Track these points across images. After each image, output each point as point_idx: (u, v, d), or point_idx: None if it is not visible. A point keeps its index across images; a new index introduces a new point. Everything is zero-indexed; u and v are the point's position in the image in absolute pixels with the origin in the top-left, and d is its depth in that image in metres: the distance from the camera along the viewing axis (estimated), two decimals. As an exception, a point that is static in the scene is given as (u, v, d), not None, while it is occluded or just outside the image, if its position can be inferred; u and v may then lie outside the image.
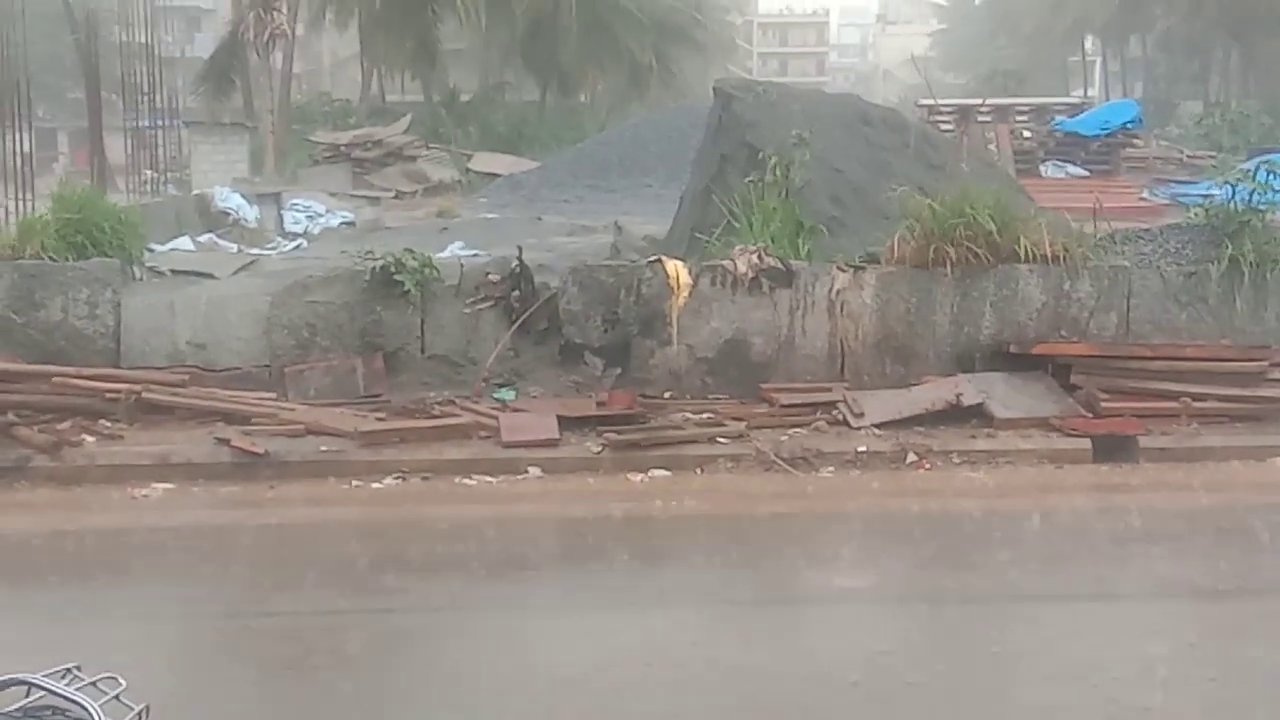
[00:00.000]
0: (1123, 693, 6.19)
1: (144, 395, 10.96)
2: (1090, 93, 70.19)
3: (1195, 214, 13.72)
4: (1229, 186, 13.01)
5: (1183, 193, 27.34)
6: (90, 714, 2.28)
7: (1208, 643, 7.16)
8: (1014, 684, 6.35)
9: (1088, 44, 79.88)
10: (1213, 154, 36.47)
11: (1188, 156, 36.13)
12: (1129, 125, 34.03)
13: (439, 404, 11.36)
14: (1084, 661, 6.58)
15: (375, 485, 9.98)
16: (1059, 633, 7.07)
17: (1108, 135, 32.98)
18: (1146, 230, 13.54)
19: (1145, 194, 28.83)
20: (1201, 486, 10.20)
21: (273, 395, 11.37)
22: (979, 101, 35.74)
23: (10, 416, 10.56)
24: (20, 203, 18.70)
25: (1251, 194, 12.59)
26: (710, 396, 11.70)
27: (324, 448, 10.39)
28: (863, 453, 10.59)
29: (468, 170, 38.67)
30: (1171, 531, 9.29)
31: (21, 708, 2.32)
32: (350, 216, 26.38)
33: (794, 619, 7.56)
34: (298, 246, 21.59)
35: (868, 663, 6.63)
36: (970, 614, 7.54)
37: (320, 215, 25.67)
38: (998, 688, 6.33)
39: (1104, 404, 11.17)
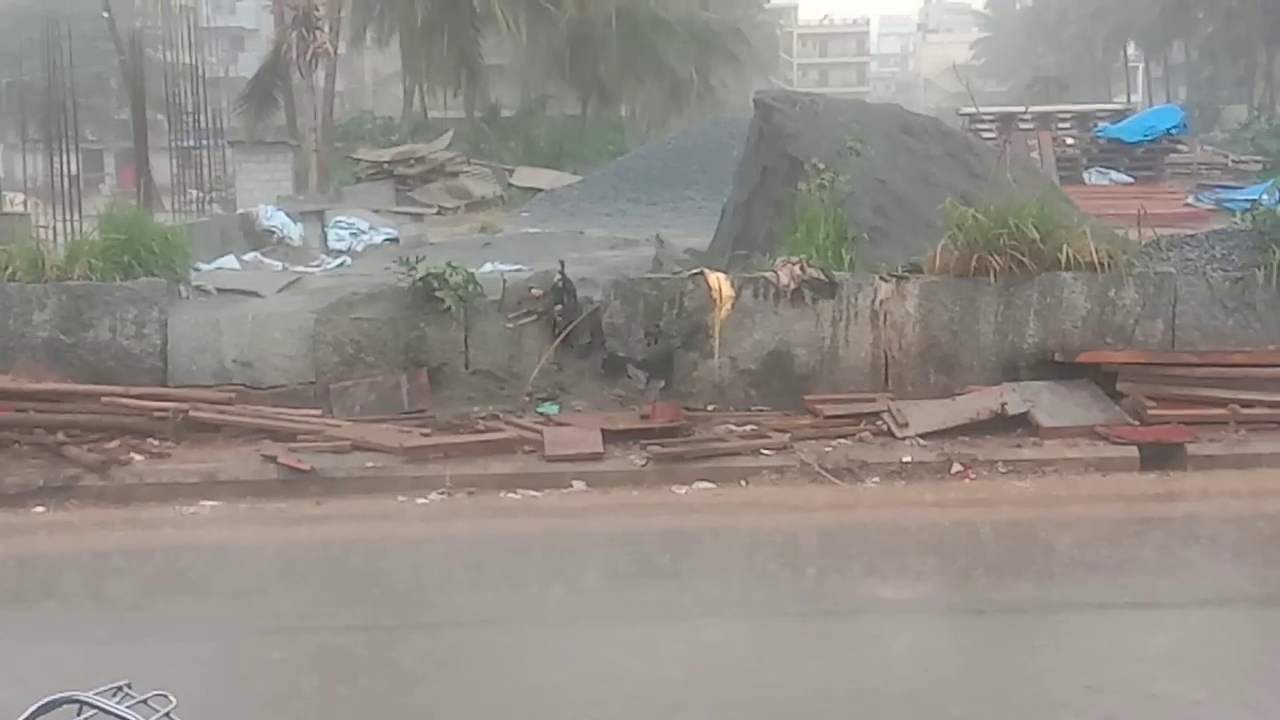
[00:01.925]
0: (1172, 701, 6.15)
1: (191, 413, 11.04)
2: (1133, 99, 69.83)
3: (1241, 219, 13.62)
4: (1276, 191, 12.90)
5: (1228, 198, 27.15)
6: (141, 731, 2.30)
7: (1259, 650, 7.09)
8: (1064, 694, 6.30)
9: (1130, 50, 79.45)
10: (1258, 159, 36.16)
11: (1233, 161, 35.83)
12: (1173, 131, 33.84)
13: (483, 419, 11.39)
14: (1135, 670, 6.54)
15: (421, 500, 10.02)
16: (1109, 642, 7.02)
17: (1151, 141, 32.82)
18: (1192, 236, 13.45)
19: (1190, 200, 28.67)
20: (1251, 494, 10.11)
21: (318, 412, 11.43)
22: (1021, 109, 35.64)
23: (60, 436, 10.67)
24: (68, 224, 18.89)
25: (1299, 198, 12.49)
26: (754, 408, 11.69)
27: (370, 464, 10.44)
28: (908, 463, 10.55)
29: (510, 185, 38.82)
30: (1221, 539, 9.22)
31: (74, 726, 2.35)
32: (394, 233, 26.50)
33: (840, 631, 7.54)
34: (342, 264, 21.70)
35: (916, 675, 6.60)
36: (1018, 624, 7.50)
37: (364, 232, 25.80)
38: (1047, 699, 6.29)
39: (1151, 412, 11.09)
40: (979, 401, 11.31)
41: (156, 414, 10.98)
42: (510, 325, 11.97)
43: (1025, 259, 11.79)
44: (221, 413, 11.20)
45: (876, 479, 10.39)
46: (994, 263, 11.76)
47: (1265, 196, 14.02)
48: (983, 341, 11.91)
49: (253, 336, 11.98)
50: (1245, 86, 69.34)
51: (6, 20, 49.37)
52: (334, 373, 11.82)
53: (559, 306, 11.97)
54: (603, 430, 10.87)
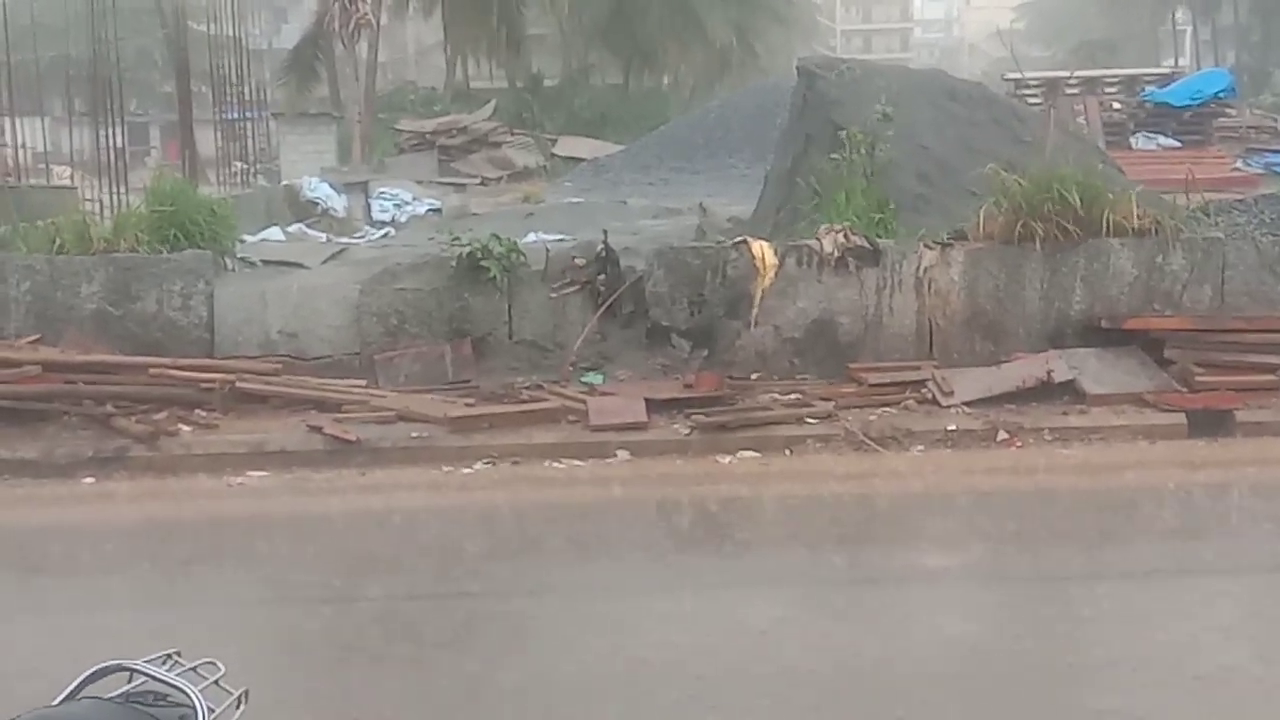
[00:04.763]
0: (1220, 668, 6.11)
1: (238, 384, 11.12)
2: (1181, 62, 68.91)
3: (1291, 183, 13.46)
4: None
5: (1277, 162, 26.85)
6: (191, 698, 2.32)
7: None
8: (1110, 662, 6.28)
9: (1178, 12, 78.49)
10: (1309, 123, 35.64)
11: (1282, 126, 35.39)
12: (1221, 95, 33.40)
13: (527, 389, 11.41)
14: (1182, 638, 6.51)
15: (465, 470, 10.06)
16: (1157, 609, 6.99)
17: (1199, 105, 32.39)
18: (1240, 201, 13.36)
19: (1239, 164, 28.34)
20: (1300, 461, 10.04)
21: (363, 382, 11.49)
22: (1067, 74, 35.30)
23: (109, 407, 10.75)
24: (114, 196, 19.00)
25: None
26: (797, 377, 11.66)
27: (415, 434, 10.49)
28: (953, 431, 10.52)
29: (552, 155, 38.73)
30: (1271, 507, 9.15)
31: (124, 693, 2.36)
32: (437, 204, 26.53)
33: (886, 599, 7.53)
34: (385, 235, 21.75)
35: (961, 644, 6.59)
36: (1065, 593, 7.47)
37: (407, 203, 25.83)
38: (1093, 667, 6.26)
39: (1199, 378, 11.01)
40: (1025, 369, 11.25)
41: (204, 385, 11.06)
42: (554, 295, 11.98)
43: (1071, 225, 11.70)
44: (268, 383, 11.27)
45: (921, 447, 10.36)
46: (1039, 229, 11.68)
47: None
48: (1028, 308, 11.84)
49: (298, 308, 12.04)
50: (1295, 49, 68.35)
51: (52, -6, 49.58)
52: (379, 343, 11.87)
53: (602, 276, 11.97)
54: (647, 399, 10.87)
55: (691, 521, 9.19)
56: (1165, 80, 36.55)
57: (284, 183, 27.07)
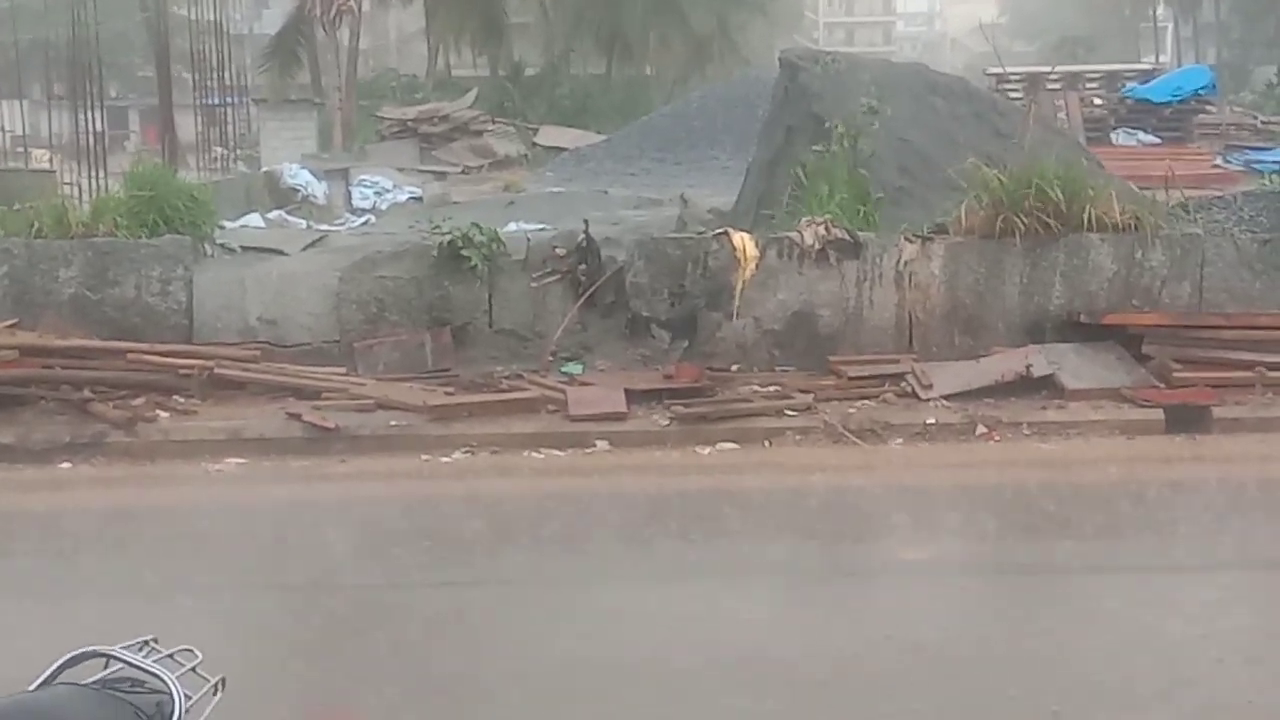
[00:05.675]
0: (1191, 665, 6.14)
1: (216, 371, 11.08)
2: (1162, 59, 69.08)
3: (1270, 180, 13.51)
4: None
5: (1257, 159, 26.93)
6: (167, 685, 2.31)
7: (1283, 615, 7.08)
8: (1083, 657, 6.30)
9: (1159, 9, 78.69)
10: (1288, 120, 35.74)
11: (1262, 123, 35.49)
12: (1201, 91, 33.52)
13: (507, 378, 11.40)
14: (1155, 634, 6.53)
15: (444, 459, 10.04)
16: (1132, 604, 7.01)
17: (1180, 102, 32.51)
18: (1220, 197, 13.38)
19: (1219, 161, 28.44)
20: (1276, 456, 10.07)
21: (343, 370, 11.47)
22: (1048, 69, 35.42)
23: (86, 392, 10.70)
24: (93, 181, 18.93)
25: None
26: (777, 369, 11.67)
27: (394, 422, 10.47)
28: (931, 424, 10.54)
29: (534, 144, 38.65)
30: (1246, 502, 9.19)
31: (100, 680, 2.35)
32: (417, 192, 26.47)
33: (863, 592, 7.55)
34: (366, 222, 21.72)
35: (937, 636, 6.60)
36: (1042, 587, 7.50)
37: (388, 191, 25.78)
38: (1070, 661, 6.28)
39: (1177, 374, 11.05)
40: (1004, 363, 11.28)
41: (182, 371, 11.03)
42: (534, 284, 11.97)
43: (1051, 220, 11.73)
44: (246, 370, 11.24)
45: (900, 440, 10.38)
46: (1019, 224, 11.71)
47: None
48: (1008, 303, 11.86)
49: (277, 294, 12.00)
50: (1275, 46, 68.56)
51: (31, -23, 49.23)
52: (358, 331, 11.84)
53: (583, 266, 11.95)
54: (626, 390, 10.87)
55: (670, 513, 9.18)
56: (1146, 76, 36.67)
57: (264, 169, 27.01)
